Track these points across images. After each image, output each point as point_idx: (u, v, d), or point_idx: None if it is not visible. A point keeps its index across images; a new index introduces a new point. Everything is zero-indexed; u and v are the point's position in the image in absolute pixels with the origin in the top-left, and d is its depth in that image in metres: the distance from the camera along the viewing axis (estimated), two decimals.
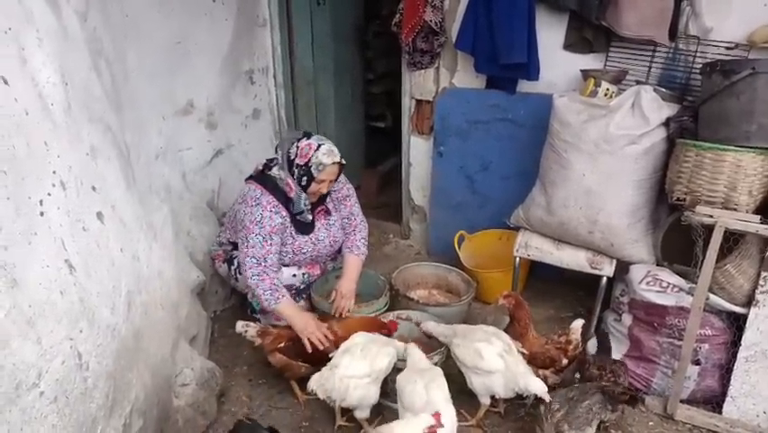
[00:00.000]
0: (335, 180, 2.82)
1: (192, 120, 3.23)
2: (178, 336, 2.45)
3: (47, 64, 1.64)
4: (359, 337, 2.39)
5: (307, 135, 2.76)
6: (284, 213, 2.73)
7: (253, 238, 2.63)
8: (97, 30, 2.13)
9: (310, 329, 2.53)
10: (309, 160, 2.67)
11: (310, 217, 2.85)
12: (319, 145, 2.68)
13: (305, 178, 2.70)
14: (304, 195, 2.74)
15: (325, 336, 2.53)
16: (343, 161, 2.74)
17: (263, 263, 2.63)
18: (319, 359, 2.47)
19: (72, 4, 1.89)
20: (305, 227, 2.85)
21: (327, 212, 2.95)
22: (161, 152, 2.96)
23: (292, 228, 2.80)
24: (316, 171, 2.67)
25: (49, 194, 1.59)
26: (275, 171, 2.74)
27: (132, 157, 2.32)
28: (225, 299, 3.31)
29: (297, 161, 2.69)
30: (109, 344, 1.80)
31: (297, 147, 2.70)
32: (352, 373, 2.23)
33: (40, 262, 1.52)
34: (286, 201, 2.74)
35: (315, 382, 2.26)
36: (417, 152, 3.94)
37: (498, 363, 2.27)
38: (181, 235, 2.89)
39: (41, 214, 1.55)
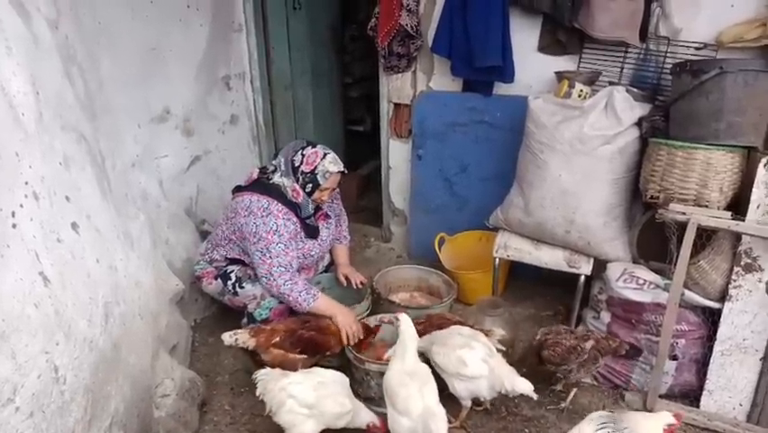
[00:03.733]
0: (335, 190, 2.89)
1: (168, 127, 3.20)
2: (157, 347, 2.42)
3: (17, 73, 1.61)
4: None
5: (311, 144, 2.79)
6: (294, 219, 2.74)
7: (275, 247, 2.62)
8: (69, 37, 2.10)
9: (349, 321, 2.59)
10: (315, 167, 2.70)
11: (315, 223, 2.90)
12: (325, 154, 2.73)
13: (309, 185, 2.73)
14: (309, 200, 2.78)
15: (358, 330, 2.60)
16: (346, 171, 2.80)
17: (291, 269, 2.64)
18: (319, 348, 2.47)
19: (42, 11, 1.87)
20: (312, 231, 2.88)
21: (326, 216, 3.00)
22: (137, 159, 2.93)
23: (302, 233, 2.82)
24: (322, 179, 2.72)
25: (21, 205, 1.56)
26: (277, 179, 2.74)
27: (107, 165, 2.29)
28: (206, 307, 3.27)
29: (303, 168, 2.71)
30: (87, 356, 1.77)
31: (303, 155, 2.72)
32: (295, 392, 2.13)
33: (13, 275, 1.49)
34: (294, 207, 2.74)
35: (262, 373, 2.23)
36: (396, 155, 3.95)
37: (482, 368, 2.28)
38: (159, 244, 2.85)
39: (14, 226, 1.52)
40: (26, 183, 1.60)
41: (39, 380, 1.53)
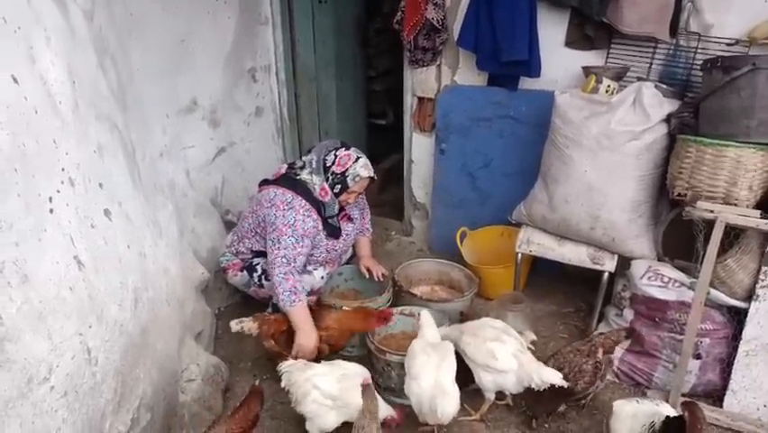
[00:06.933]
0: (361, 194, 2.92)
1: (195, 118, 3.25)
2: (183, 333, 2.47)
3: (55, 63, 1.66)
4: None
5: (345, 146, 2.81)
6: (315, 216, 2.75)
7: (286, 240, 2.64)
8: (103, 29, 2.15)
9: (306, 346, 2.55)
10: (347, 170, 2.73)
11: (338, 224, 2.93)
12: (357, 157, 2.76)
13: (338, 186, 2.75)
14: (336, 201, 2.80)
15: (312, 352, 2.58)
16: (375, 177, 2.82)
17: (292, 263, 2.65)
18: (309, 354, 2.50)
19: (78, 3, 1.91)
20: (334, 231, 2.91)
21: (350, 219, 3.03)
22: (166, 149, 2.98)
23: (323, 232, 2.84)
24: (352, 182, 2.74)
25: (58, 191, 1.61)
26: (305, 176, 2.76)
27: (137, 155, 2.34)
28: (229, 295, 3.33)
29: (334, 168, 2.73)
30: (117, 339, 1.83)
31: (336, 155, 2.75)
32: (320, 384, 2.19)
33: (50, 259, 1.55)
34: (317, 205, 2.76)
35: (287, 365, 2.29)
36: (419, 149, 3.96)
37: (512, 363, 2.28)
38: (186, 233, 2.91)
39: (51, 211, 1.57)
40: (63, 169, 1.65)
41: (73, 361, 1.58)
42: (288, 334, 2.61)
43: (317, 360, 2.51)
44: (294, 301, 2.60)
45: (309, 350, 2.56)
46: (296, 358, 2.48)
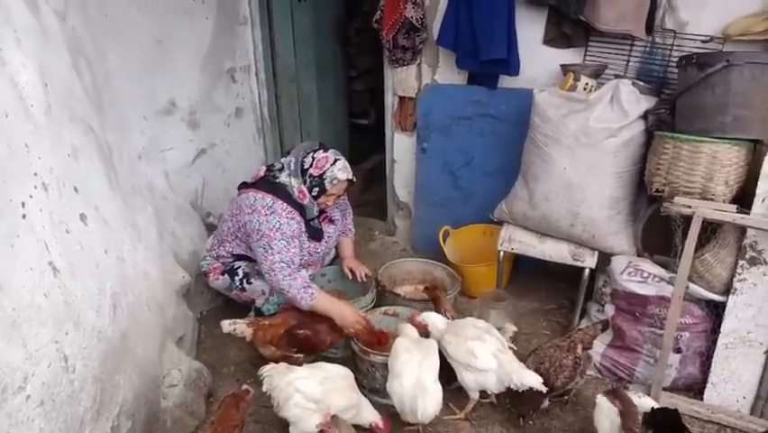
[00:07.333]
0: (341, 196, 2.89)
1: (174, 119, 3.21)
2: (164, 337, 2.44)
3: (26, 65, 1.63)
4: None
5: (323, 147, 2.78)
6: (298, 218, 2.73)
7: (277, 244, 2.61)
8: (77, 29, 2.11)
9: (351, 320, 2.56)
10: (324, 172, 2.70)
11: (319, 225, 2.91)
12: (335, 160, 2.73)
13: (316, 189, 2.72)
14: (315, 203, 2.77)
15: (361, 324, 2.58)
16: (354, 179, 2.80)
17: (292, 266, 2.62)
18: (314, 348, 2.46)
19: (51, 3, 1.88)
20: (316, 233, 2.89)
21: (331, 221, 3.02)
22: (144, 152, 2.94)
23: (305, 234, 2.82)
24: (329, 185, 2.71)
25: (31, 196, 1.58)
26: (284, 179, 2.73)
27: (114, 157, 2.31)
28: (211, 299, 3.29)
29: (312, 171, 2.71)
30: (95, 346, 1.79)
31: (313, 158, 2.72)
32: (302, 387, 2.15)
33: (23, 265, 1.52)
34: (298, 208, 2.74)
35: (268, 369, 2.24)
36: (401, 148, 3.96)
37: (491, 362, 2.29)
38: (165, 236, 2.87)
39: (24, 216, 1.54)
40: (35, 174, 1.62)
41: (49, 369, 1.55)
42: (288, 335, 2.57)
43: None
44: (312, 295, 2.59)
45: (354, 321, 2.56)
46: (309, 340, 2.54)
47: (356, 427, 2.25)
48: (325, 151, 2.76)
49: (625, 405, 2.04)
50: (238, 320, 2.58)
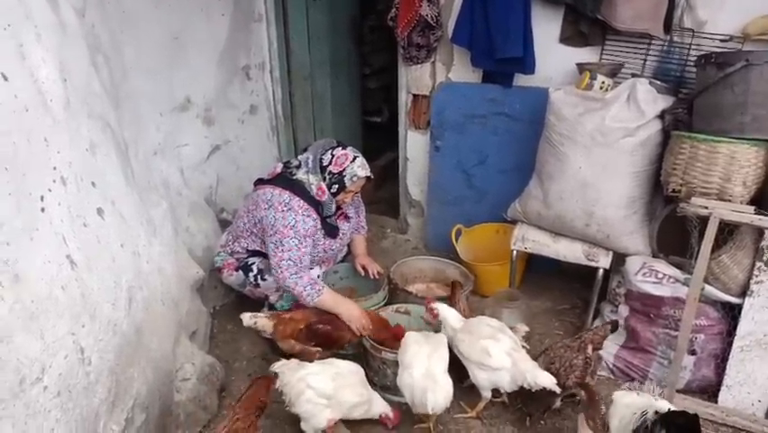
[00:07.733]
0: (358, 193, 2.91)
1: (189, 116, 3.23)
2: (178, 332, 2.46)
3: (46, 60, 1.65)
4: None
5: (342, 145, 2.80)
6: (314, 215, 2.74)
7: (288, 242, 2.63)
8: (95, 25, 2.13)
9: (356, 316, 2.59)
10: (344, 169, 2.71)
11: (335, 223, 2.93)
12: (355, 157, 2.74)
13: (335, 186, 2.73)
14: (333, 200, 2.79)
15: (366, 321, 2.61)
16: (372, 176, 2.81)
17: (299, 264, 2.64)
18: (333, 343, 2.48)
19: (70, 0, 1.90)
20: (332, 230, 2.90)
21: (346, 217, 3.03)
22: (159, 148, 2.96)
23: (321, 231, 2.84)
24: (349, 182, 2.73)
25: (49, 190, 1.60)
26: (302, 175, 2.74)
27: (130, 153, 2.33)
28: (224, 294, 3.31)
29: (331, 168, 2.72)
30: (111, 339, 1.82)
31: (333, 155, 2.73)
32: (314, 383, 2.17)
33: (41, 258, 1.54)
34: (315, 204, 2.75)
35: (280, 366, 2.26)
36: (414, 146, 3.95)
37: (505, 360, 2.28)
38: (180, 231, 2.90)
39: (42, 210, 1.56)
40: (54, 168, 1.64)
41: (66, 360, 1.57)
42: (308, 330, 2.59)
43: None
44: (319, 291, 2.62)
45: (362, 320, 2.59)
46: (329, 335, 2.56)
47: (366, 421, 2.27)
48: (344, 148, 2.77)
49: (590, 396, 2.15)
50: (259, 314, 2.61)
